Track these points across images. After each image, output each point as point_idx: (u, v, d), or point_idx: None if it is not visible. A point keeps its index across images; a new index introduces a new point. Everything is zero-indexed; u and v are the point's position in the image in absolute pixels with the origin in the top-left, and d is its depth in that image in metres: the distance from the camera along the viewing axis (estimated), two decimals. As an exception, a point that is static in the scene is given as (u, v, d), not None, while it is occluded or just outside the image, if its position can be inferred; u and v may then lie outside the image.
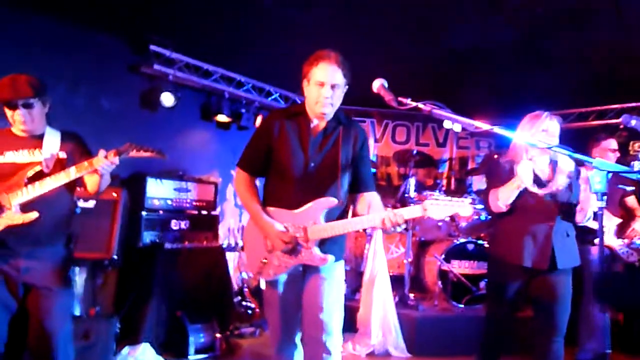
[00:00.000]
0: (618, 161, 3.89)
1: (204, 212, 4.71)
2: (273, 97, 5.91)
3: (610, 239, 3.77)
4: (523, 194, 2.76)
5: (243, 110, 5.54)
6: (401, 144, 6.73)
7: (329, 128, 2.40)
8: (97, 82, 4.47)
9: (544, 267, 2.77)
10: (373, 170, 6.50)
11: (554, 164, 2.86)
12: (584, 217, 2.84)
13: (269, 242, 2.35)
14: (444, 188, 5.58)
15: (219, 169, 5.50)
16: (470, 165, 6.77)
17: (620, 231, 3.79)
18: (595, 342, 3.68)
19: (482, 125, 1.78)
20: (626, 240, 3.78)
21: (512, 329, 3.07)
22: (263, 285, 2.42)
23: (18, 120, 2.54)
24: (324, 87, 2.27)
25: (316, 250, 2.30)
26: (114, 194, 3.83)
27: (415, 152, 5.26)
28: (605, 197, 1.68)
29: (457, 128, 1.83)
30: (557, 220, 2.81)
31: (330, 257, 2.30)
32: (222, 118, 5.47)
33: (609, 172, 1.65)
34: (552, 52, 4.51)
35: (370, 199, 2.44)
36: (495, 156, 3.19)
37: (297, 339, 2.44)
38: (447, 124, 1.83)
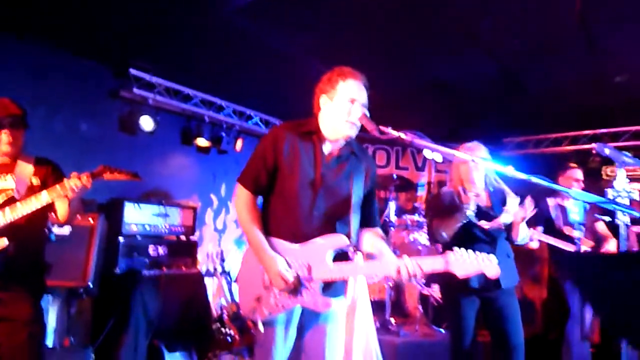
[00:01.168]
0: (591, 187, 3.99)
1: (183, 238, 4.65)
2: (253, 120, 5.92)
3: None
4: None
5: (223, 134, 5.53)
6: (381, 167, 6.79)
7: (342, 156, 2.19)
8: (76, 105, 4.43)
9: (489, 287, 2.90)
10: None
11: (488, 191, 3.07)
12: (517, 236, 3.00)
13: (266, 277, 2.10)
14: (423, 212, 5.61)
15: (198, 194, 5.46)
16: (449, 189, 6.85)
17: None
18: None
19: (463, 156, 1.81)
20: None
21: (475, 353, 3.15)
22: (261, 328, 2.10)
23: (5, 141, 2.50)
24: (355, 104, 2.08)
25: (320, 295, 2.05)
26: (90, 220, 3.75)
27: (395, 176, 5.29)
28: (583, 227, 1.72)
29: (438, 158, 1.85)
30: (498, 242, 2.97)
31: (335, 303, 2.07)
32: (202, 142, 5.44)
33: (585, 202, 1.69)
34: (528, 82, 4.65)
35: (375, 238, 2.21)
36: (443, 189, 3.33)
37: None
38: (427, 153, 1.85)
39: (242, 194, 2.20)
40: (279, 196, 2.16)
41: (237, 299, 4.57)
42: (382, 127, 1.98)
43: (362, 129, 2.12)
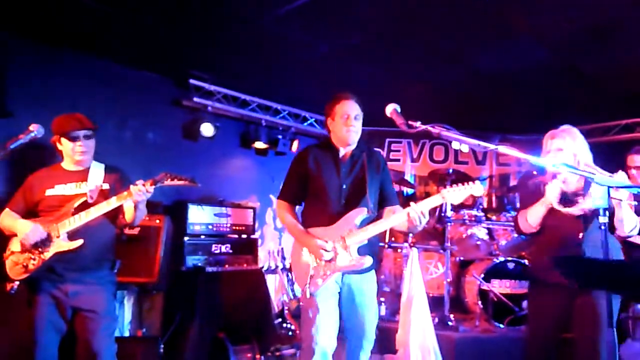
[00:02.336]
0: None
1: (244, 236, 4.88)
2: (309, 122, 6.08)
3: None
4: (553, 212, 2.73)
5: (280, 137, 5.72)
6: (439, 162, 6.69)
7: (354, 155, 2.83)
8: (143, 116, 4.79)
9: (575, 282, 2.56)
10: (412, 190, 6.53)
11: (586, 179, 2.73)
12: (621, 225, 2.62)
13: (312, 255, 2.66)
14: (482, 206, 5.48)
15: (257, 194, 5.68)
16: (512, 182, 6.62)
17: None
18: None
19: (488, 145, 1.83)
20: None
21: (555, 355, 2.85)
22: (308, 294, 2.64)
23: (79, 150, 2.80)
24: (350, 118, 2.73)
25: (357, 256, 2.61)
26: (157, 221, 4.05)
27: (450, 170, 5.22)
28: (607, 213, 1.67)
29: (465, 148, 1.88)
30: (587, 233, 2.68)
31: (369, 258, 2.60)
32: (260, 145, 5.68)
33: (609, 187, 1.64)
34: (584, 69, 4.44)
35: (392, 209, 2.84)
36: (534, 173, 3.11)
37: (329, 349, 2.64)
38: (455, 145, 1.89)
39: (282, 205, 2.89)
40: (313, 197, 2.81)
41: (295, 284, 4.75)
42: (410, 122, 2.04)
43: (393, 124, 2.21)
